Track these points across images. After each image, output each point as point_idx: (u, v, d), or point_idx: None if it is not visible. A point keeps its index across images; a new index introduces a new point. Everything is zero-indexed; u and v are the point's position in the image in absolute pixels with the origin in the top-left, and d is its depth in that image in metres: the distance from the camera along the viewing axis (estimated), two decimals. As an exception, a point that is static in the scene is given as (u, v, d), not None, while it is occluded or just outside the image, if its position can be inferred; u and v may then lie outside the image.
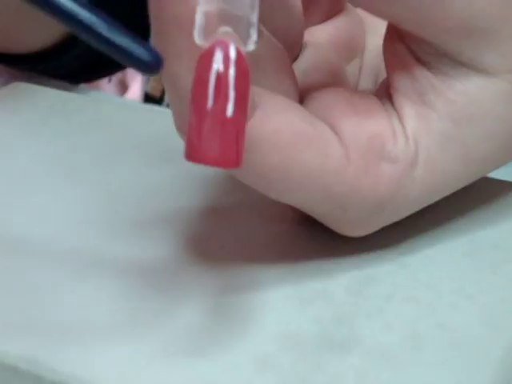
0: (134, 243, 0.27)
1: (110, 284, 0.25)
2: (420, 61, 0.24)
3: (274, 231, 0.27)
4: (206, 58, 0.20)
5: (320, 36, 0.29)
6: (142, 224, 0.28)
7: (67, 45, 0.44)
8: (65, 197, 0.29)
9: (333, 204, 0.24)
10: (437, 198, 0.25)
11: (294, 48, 0.28)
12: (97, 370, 0.22)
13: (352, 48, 0.30)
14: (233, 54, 0.20)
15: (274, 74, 0.24)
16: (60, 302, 0.24)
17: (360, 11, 0.30)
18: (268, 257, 0.26)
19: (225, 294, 0.24)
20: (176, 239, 0.27)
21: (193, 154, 0.20)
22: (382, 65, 0.26)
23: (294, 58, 0.28)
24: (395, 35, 0.25)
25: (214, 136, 0.20)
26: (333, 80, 0.28)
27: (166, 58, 0.21)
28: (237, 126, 0.20)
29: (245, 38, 0.20)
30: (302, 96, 0.26)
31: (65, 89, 0.38)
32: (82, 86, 0.44)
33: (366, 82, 0.30)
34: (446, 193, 0.25)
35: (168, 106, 0.49)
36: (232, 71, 0.20)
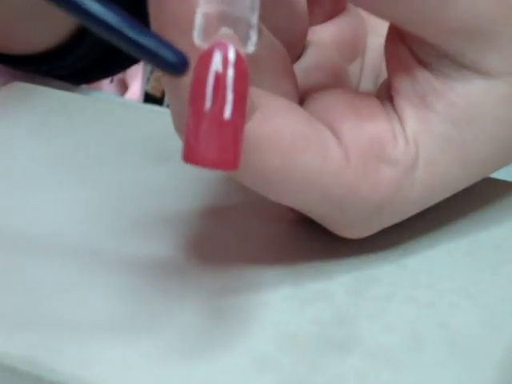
0: (134, 243, 0.27)
1: (110, 284, 0.25)
2: (421, 62, 0.24)
3: (274, 232, 0.27)
4: (205, 59, 0.20)
5: (322, 36, 0.29)
6: (142, 224, 0.28)
7: (71, 46, 0.44)
8: (65, 197, 0.29)
9: (332, 206, 0.24)
10: (437, 199, 0.25)
11: (297, 47, 0.27)
12: (96, 370, 0.22)
13: (354, 48, 0.30)
14: (232, 55, 0.20)
15: (273, 74, 0.24)
16: (60, 302, 0.24)
17: (361, 11, 0.30)
18: (268, 257, 0.26)
19: (224, 294, 0.24)
20: (175, 240, 0.27)
21: (190, 155, 0.20)
22: (383, 65, 0.26)
23: (297, 57, 0.28)
24: (397, 36, 0.25)
25: (211, 138, 0.20)
26: (335, 80, 0.28)
27: None
28: (235, 128, 0.20)
29: (244, 40, 0.20)
30: (303, 96, 0.26)
31: (65, 89, 0.38)
32: (83, 86, 0.44)
33: (367, 82, 0.30)
34: (446, 195, 0.25)
35: (168, 106, 0.49)
36: (231, 73, 0.20)
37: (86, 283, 0.25)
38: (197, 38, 0.20)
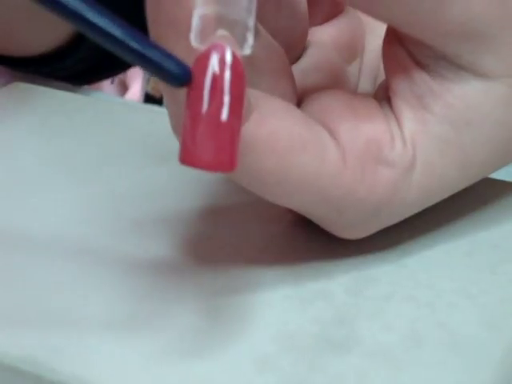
0: (133, 243, 0.27)
1: (110, 284, 0.25)
2: (419, 64, 0.24)
3: (273, 232, 0.27)
4: (202, 61, 0.20)
5: (321, 37, 0.29)
6: (142, 224, 0.28)
7: (71, 48, 0.44)
8: (65, 197, 0.29)
9: (329, 207, 0.24)
10: (434, 201, 0.25)
11: (297, 48, 0.27)
12: (96, 370, 0.22)
13: (353, 49, 0.30)
14: (229, 57, 0.20)
15: (271, 75, 0.24)
16: (60, 302, 0.24)
17: (359, 12, 0.30)
18: (267, 257, 0.26)
19: (224, 294, 0.24)
20: (175, 240, 0.27)
21: (187, 157, 0.20)
22: (381, 66, 0.26)
23: (297, 58, 0.28)
24: (394, 38, 0.25)
25: (208, 140, 0.20)
26: (334, 80, 0.28)
27: None
28: (231, 130, 0.20)
29: (241, 42, 0.20)
30: (302, 96, 0.26)
31: (65, 89, 0.38)
32: (83, 86, 0.44)
33: (366, 83, 0.30)
34: (444, 196, 0.25)
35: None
36: (227, 75, 0.20)
37: (85, 283, 0.25)
38: (194, 40, 0.20)
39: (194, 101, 0.20)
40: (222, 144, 0.20)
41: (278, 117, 0.23)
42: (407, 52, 0.24)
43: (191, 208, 0.28)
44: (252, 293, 0.24)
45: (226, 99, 0.20)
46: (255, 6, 0.20)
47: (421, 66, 0.24)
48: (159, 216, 0.28)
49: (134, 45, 0.19)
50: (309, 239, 0.27)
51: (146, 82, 1.07)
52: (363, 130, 0.24)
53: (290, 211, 0.26)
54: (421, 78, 0.24)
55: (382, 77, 0.26)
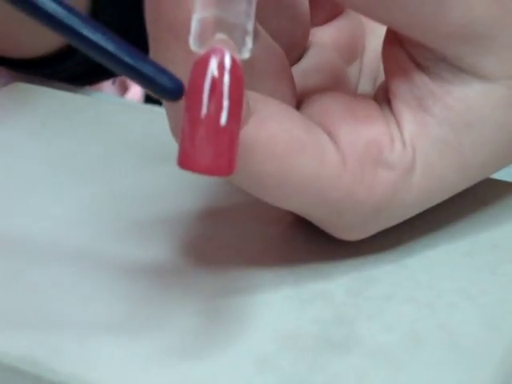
0: (133, 244, 0.27)
1: (110, 285, 0.25)
2: (419, 66, 0.24)
3: (274, 233, 0.27)
4: (201, 64, 0.20)
5: (322, 37, 0.29)
6: (141, 225, 0.28)
7: (71, 50, 0.44)
8: (65, 197, 0.29)
9: (329, 209, 0.24)
10: (434, 202, 0.25)
11: (298, 49, 0.27)
12: (96, 371, 0.22)
13: (353, 50, 0.30)
14: (228, 61, 0.20)
15: (271, 78, 0.24)
16: (60, 302, 0.24)
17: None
18: (267, 258, 0.26)
19: (224, 295, 0.24)
20: (175, 241, 0.27)
21: (185, 161, 0.20)
22: (381, 67, 0.26)
23: (298, 59, 0.28)
24: (394, 40, 0.25)
25: (207, 144, 0.20)
26: (334, 82, 0.28)
27: (162, 64, 0.21)
28: (230, 135, 0.20)
29: (240, 46, 0.20)
30: (302, 98, 0.26)
31: (65, 89, 0.38)
32: (83, 86, 0.44)
33: (366, 84, 0.30)
34: (444, 197, 0.25)
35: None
36: (226, 79, 0.20)
37: (85, 284, 0.25)
38: (193, 44, 0.20)
39: (193, 105, 0.20)
40: (221, 148, 0.20)
41: (278, 120, 0.23)
42: (407, 54, 0.24)
43: (191, 209, 0.28)
44: (252, 293, 0.24)
45: (225, 103, 0.20)
46: (254, 9, 0.20)
47: (421, 67, 0.24)
48: (159, 217, 0.28)
49: (127, 59, 0.19)
50: (309, 240, 0.26)
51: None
52: (363, 132, 0.24)
53: (291, 213, 0.26)
54: (421, 79, 0.24)
55: (382, 78, 0.26)
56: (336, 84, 0.28)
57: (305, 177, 0.23)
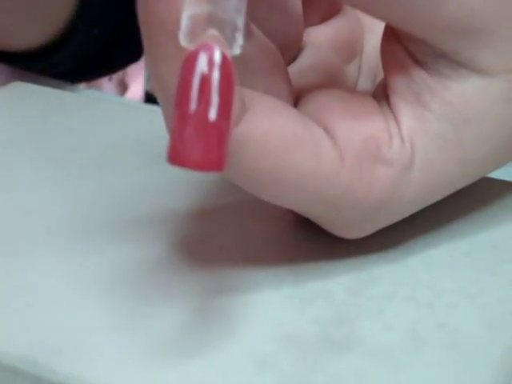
0: (132, 243, 0.27)
1: (109, 284, 0.25)
2: (417, 62, 0.24)
3: (273, 232, 0.27)
4: (191, 60, 0.20)
5: (318, 37, 0.29)
6: (141, 224, 0.28)
7: (58, 45, 0.44)
8: (64, 196, 0.29)
9: (326, 207, 0.23)
10: (434, 199, 0.25)
11: (292, 49, 0.27)
12: (96, 371, 0.22)
13: (351, 48, 0.30)
14: (218, 57, 0.20)
15: (266, 75, 0.24)
16: (60, 302, 0.24)
17: (357, 11, 0.30)
18: (267, 257, 0.26)
19: (224, 294, 0.24)
20: (174, 239, 0.27)
21: (175, 157, 0.20)
22: (380, 64, 0.26)
23: (293, 59, 0.28)
24: (392, 36, 0.25)
25: (196, 140, 0.20)
26: (330, 80, 0.28)
27: (154, 61, 0.21)
28: (220, 130, 0.20)
29: (230, 42, 0.20)
30: (298, 96, 0.26)
31: (64, 88, 0.38)
32: (82, 85, 0.44)
33: (365, 82, 0.30)
34: (444, 194, 0.25)
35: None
36: (216, 75, 0.20)
37: (84, 283, 0.25)
38: (183, 40, 0.20)
39: (181, 100, 0.20)
40: (210, 144, 0.20)
41: (272, 116, 0.22)
42: (405, 50, 0.24)
43: (190, 208, 0.28)
44: (251, 293, 0.24)
45: (215, 99, 0.20)
46: (245, 5, 0.20)
47: (419, 63, 0.24)
48: (158, 216, 0.28)
49: None
50: (308, 239, 0.26)
51: (147, 80, 1.07)
52: (361, 128, 0.24)
53: (291, 211, 0.26)
54: (419, 75, 0.24)
55: (381, 75, 0.26)
56: (333, 82, 0.28)
57: (301, 174, 0.23)
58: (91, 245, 0.27)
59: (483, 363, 0.22)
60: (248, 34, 0.21)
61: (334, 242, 0.26)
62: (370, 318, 0.23)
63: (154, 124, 0.34)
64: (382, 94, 0.25)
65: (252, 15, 0.21)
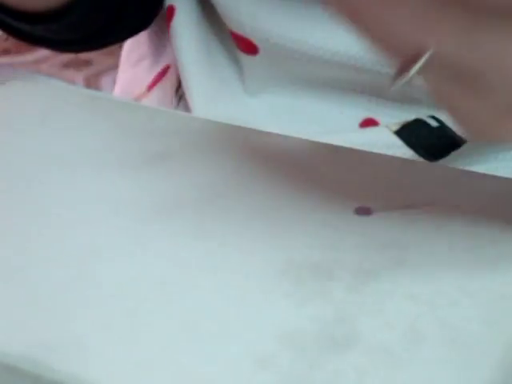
0: (132, 242, 0.27)
1: (110, 284, 0.25)
2: None
3: (273, 229, 0.27)
4: None
5: None
6: (141, 222, 0.28)
7: (74, 4, 0.43)
8: (63, 195, 0.29)
9: None
10: None
11: None
12: (96, 370, 0.22)
13: None
14: None
15: None
16: (60, 302, 0.24)
17: None
18: (267, 255, 0.26)
19: (223, 293, 0.24)
20: (173, 238, 0.27)
21: None
22: None
23: None
24: None
25: None
26: None
27: None
28: None
29: None
30: None
31: (64, 87, 0.38)
32: (81, 84, 0.44)
33: None
34: None
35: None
36: None
37: (84, 282, 0.25)
38: None
39: None
40: None
41: None
42: None
43: (190, 206, 0.28)
44: (252, 291, 0.24)
45: None
46: None
47: None
48: (157, 214, 0.28)
49: None
50: (309, 236, 0.26)
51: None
52: None
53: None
54: None
55: None
56: None
57: None
58: (91, 244, 0.27)
59: (483, 360, 0.22)
60: None
61: (333, 238, 0.26)
62: (370, 315, 0.23)
63: (155, 123, 0.34)
64: None
65: None
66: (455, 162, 0.40)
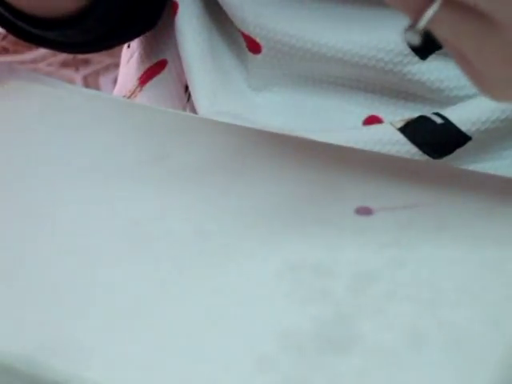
0: (131, 242, 0.27)
1: (109, 284, 0.25)
2: None
3: (273, 230, 0.27)
4: None
5: None
6: (140, 222, 0.28)
7: (90, 8, 0.43)
8: (62, 195, 0.29)
9: None
10: None
11: None
12: (96, 370, 0.22)
13: None
14: None
15: None
16: (59, 302, 0.24)
17: None
18: (267, 255, 0.26)
19: (224, 293, 0.24)
20: (173, 238, 0.27)
21: None
22: None
23: None
24: None
25: None
26: None
27: None
28: None
29: None
30: None
31: (63, 87, 0.39)
32: (79, 83, 0.44)
33: None
34: None
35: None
36: None
37: (84, 282, 0.25)
38: None
39: None
40: None
41: None
42: None
43: (189, 206, 0.28)
44: (252, 291, 0.24)
45: None
46: None
47: None
48: (157, 214, 0.28)
49: None
50: (310, 236, 0.26)
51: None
52: None
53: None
54: None
55: None
56: None
57: None
58: (90, 244, 0.27)
59: (485, 362, 0.22)
60: None
61: (333, 239, 0.26)
62: (371, 316, 0.23)
63: (154, 123, 0.34)
64: None
65: None
66: (459, 159, 0.40)
